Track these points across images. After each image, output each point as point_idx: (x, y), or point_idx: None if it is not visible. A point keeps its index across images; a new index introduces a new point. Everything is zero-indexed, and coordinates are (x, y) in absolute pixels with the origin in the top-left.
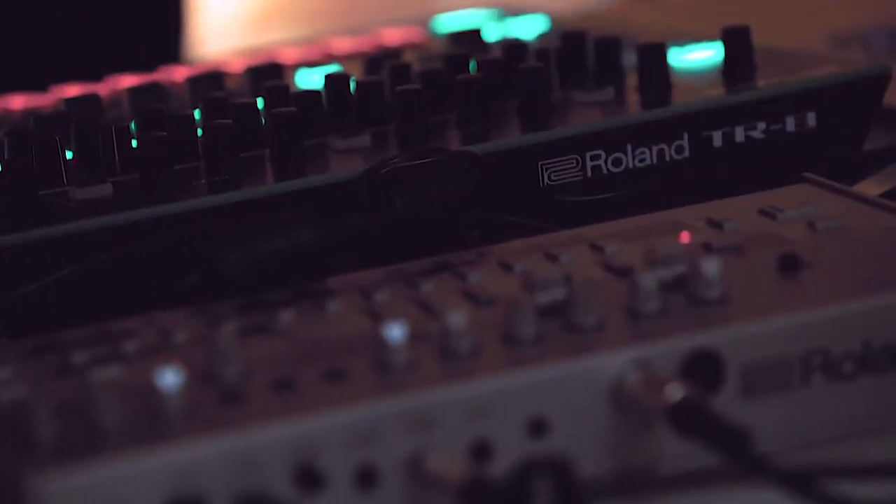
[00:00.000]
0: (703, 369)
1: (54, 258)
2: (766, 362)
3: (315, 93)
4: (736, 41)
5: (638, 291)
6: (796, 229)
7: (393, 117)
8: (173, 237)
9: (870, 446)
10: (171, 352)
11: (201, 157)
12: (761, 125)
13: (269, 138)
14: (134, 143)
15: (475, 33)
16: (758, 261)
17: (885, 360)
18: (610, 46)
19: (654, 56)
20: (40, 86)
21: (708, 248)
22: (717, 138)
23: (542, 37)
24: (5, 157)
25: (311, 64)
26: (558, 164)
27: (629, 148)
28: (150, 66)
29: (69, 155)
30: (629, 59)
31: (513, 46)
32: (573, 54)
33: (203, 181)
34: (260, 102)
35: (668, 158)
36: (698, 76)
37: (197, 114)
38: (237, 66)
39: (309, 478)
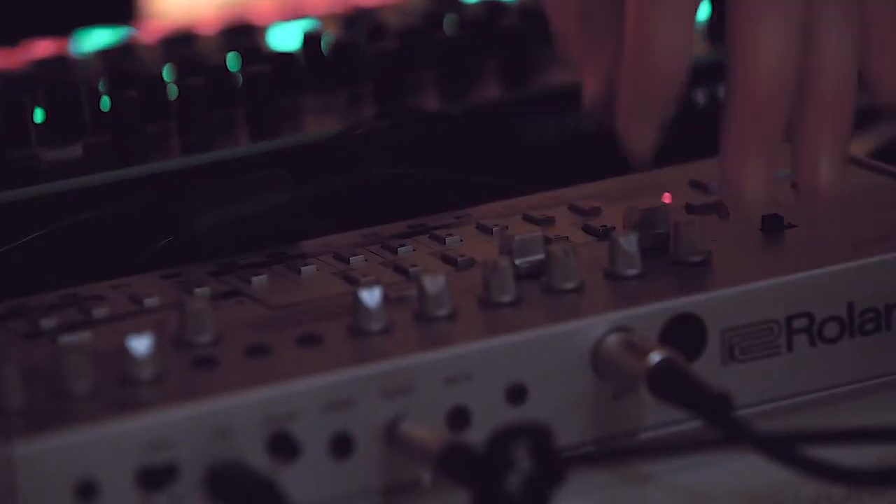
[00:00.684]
0: (684, 334)
1: (23, 221)
2: (749, 326)
3: (289, 52)
4: None
5: (618, 254)
6: (780, 190)
7: (369, 76)
8: (145, 199)
9: (850, 410)
10: (142, 317)
11: (173, 117)
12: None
13: (243, 98)
14: (105, 103)
15: None
16: (741, 222)
17: (869, 322)
18: None
19: None
20: (9, 40)
21: (690, 209)
22: (701, 96)
23: None
24: None
25: (285, 21)
26: (538, 123)
27: None
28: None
29: (38, 116)
30: None
31: (491, 3)
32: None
33: (175, 142)
34: (233, 61)
35: None
36: None
37: (169, 74)
38: (210, 25)
39: (283, 445)
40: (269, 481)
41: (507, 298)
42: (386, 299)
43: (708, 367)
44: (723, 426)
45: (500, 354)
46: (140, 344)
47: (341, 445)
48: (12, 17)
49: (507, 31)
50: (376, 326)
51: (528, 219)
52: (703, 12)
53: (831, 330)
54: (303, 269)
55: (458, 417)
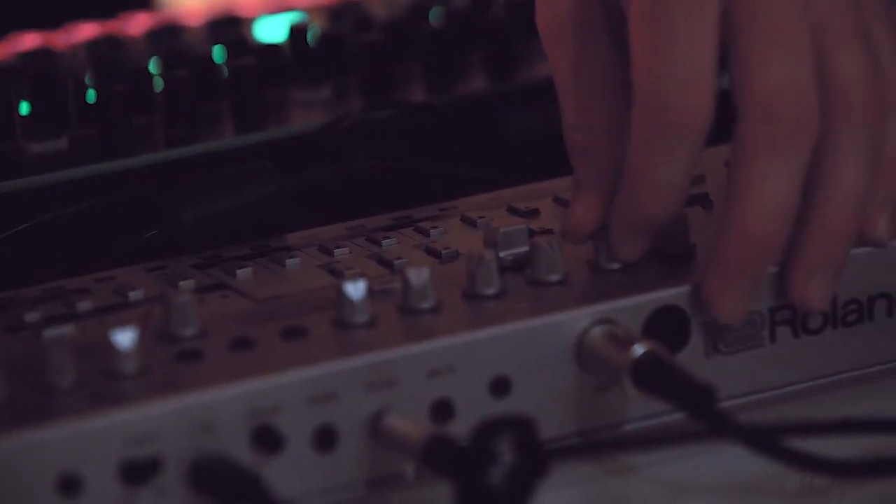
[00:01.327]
0: (668, 325)
1: (8, 214)
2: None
3: (275, 44)
4: None
5: (602, 246)
6: None
7: (355, 69)
8: (131, 192)
9: (834, 402)
10: (127, 310)
11: (160, 110)
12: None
13: (229, 91)
14: (91, 96)
15: None
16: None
17: (851, 314)
18: None
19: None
20: None
21: None
22: None
23: None
24: None
25: (272, 13)
26: (522, 116)
27: None
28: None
29: (24, 109)
30: None
31: None
32: None
33: (161, 135)
34: (219, 54)
35: None
36: None
37: (155, 66)
38: (196, 17)
39: (267, 438)
40: (254, 474)
41: (491, 291)
42: (370, 292)
43: (691, 360)
44: (706, 418)
45: (484, 347)
46: (124, 337)
47: (325, 438)
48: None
49: (492, 24)
50: (361, 319)
51: (512, 211)
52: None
53: (814, 321)
54: (287, 261)
55: (442, 410)
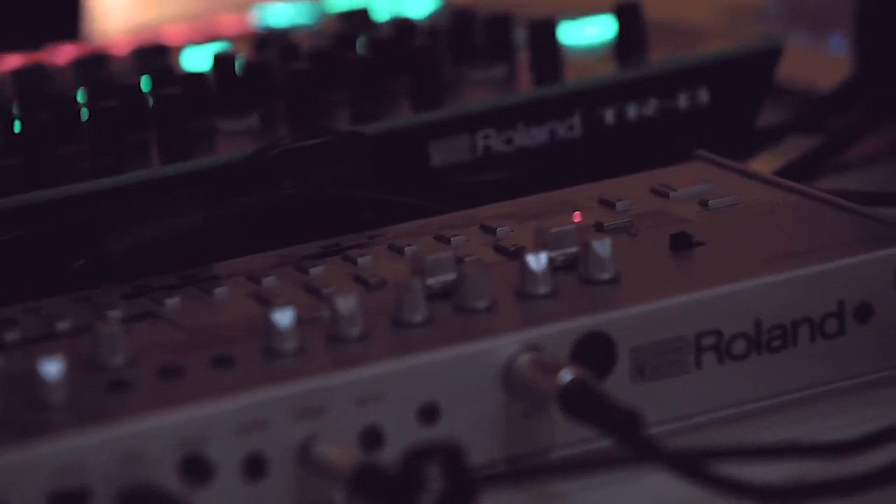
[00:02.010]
0: (594, 352)
1: None
2: (658, 344)
3: (201, 73)
4: (628, 16)
5: (528, 273)
6: (689, 207)
7: (281, 98)
8: (57, 222)
9: (759, 427)
10: (54, 340)
11: (86, 139)
12: (653, 102)
13: (155, 120)
14: (17, 126)
15: (364, 12)
16: (650, 240)
17: (776, 339)
18: (500, 23)
19: (544, 32)
20: None
21: (599, 228)
22: (609, 116)
23: (432, 15)
24: None
25: (198, 43)
26: (449, 143)
27: (520, 126)
28: (40, 45)
29: None
30: (520, 35)
31: (402, 25)
32: (463, 32)
33: (87, 164)
34: (145, 83)
35: (559, 137)
36: (590, 52)
37: (81, 96)
38: (123, 46)
39: (196, 468)
40: None
41: (418, 318)
42: (299, 320)
43: (618, 386)
44: (634, 443)
45: (412, 374)
46: (51, 367)
47: (254, 467)
48: None
49: (418, 52)
50: (289, 347)
51: (439, 239)
52: (611, 31)
53: (739, 347)
54: (216, 290)
55: (371, 438)
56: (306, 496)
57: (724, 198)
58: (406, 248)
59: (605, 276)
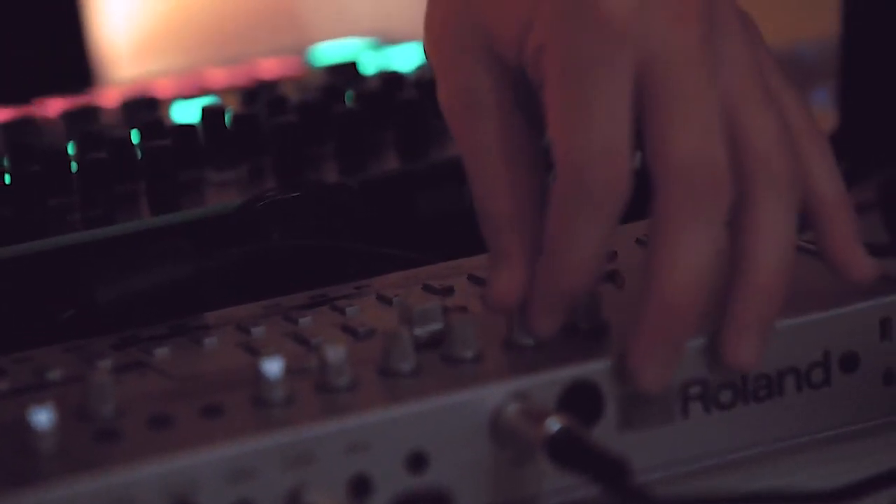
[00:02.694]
0: (581, 400)
1: None
2: (645, 393)
3: (190, 126)
4: None
5: (516, 323)
6: None
7: (269, 150)
8: (47, 273)
9: (747, 476)
10: (44, 390)
11: (76, 191)
12: (639, 155)
13: (145, 172)
14: (7, 178)
15: (352, 65)
16: (636, 290)
17: (761, 388)
18: None
19: None
20: None
21: None
22: None
23: (419, 67)
24: None
25: (187, 96)
26: (436, 194)
27: None
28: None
29: None
30: None
31: (389, 77)
32: None
33: (78, 216)
34: (135, 136)
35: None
36: None
37: (71, 148)
38: (112, 99)
39: None
40: None
41: (406, 368)
42: (287, 370)
43: (606, 434)
44: (621, 492)
45: (400, 423)
46: (41, 417)
47: None
48: None
49: (404, 105)
50: (278, 397)
51: (427, 289)
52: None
53: (725, 396)
54: (205, 340)
55: (360, 486)
56: None
57: None
58: (394, 299)
59: (593, 325)
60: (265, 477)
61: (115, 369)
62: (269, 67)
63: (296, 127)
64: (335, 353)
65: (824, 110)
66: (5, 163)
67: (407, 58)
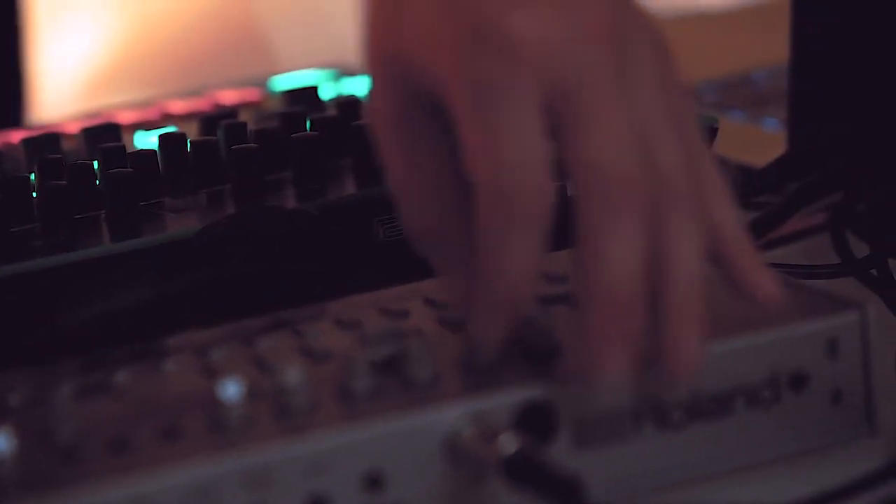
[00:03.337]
0: (536, 420)
1: None
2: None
3: (150, 152)
4: None
5: (470, 345)
6: None
7: (229, 176)
8: (9, 298)
9: (700, 493)
10: (5, 415)
11: (37, 218)
12: None
13: (106, 199)
14: None
15: (311, 91)
16: None
17: (714, 407)
18: None
19: None
20: None
21: (541, 301)
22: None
23: None
24: None
25: (149, 126)
26: (393, 219)
27: None
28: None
29: None
30: None
31: (347, 104)
32: None
33: (39, 242)
34: (96, 163)
35: None
36: None
37: (32, 175)
38: (73, 127)
39: None
40: None
41: (363, 389)
42: (246, 392)
43: (561, 453)
44: None
45: (357, 444)
46: (1, 441)
47: None
48: None
49: (361, 129)
50: (236, 419)
51: (384, 312)
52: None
53: (678, 415)
54: (164, 363)
55: None
56: None
57: None
58: (352, 321)
59: (547, 346)
60: (223, 499)
61: (75, 393)
62: (229, 96)
63: (254, 153)
64: (293, 375)
65: (776, 133)
66: None
67: (366, 88)
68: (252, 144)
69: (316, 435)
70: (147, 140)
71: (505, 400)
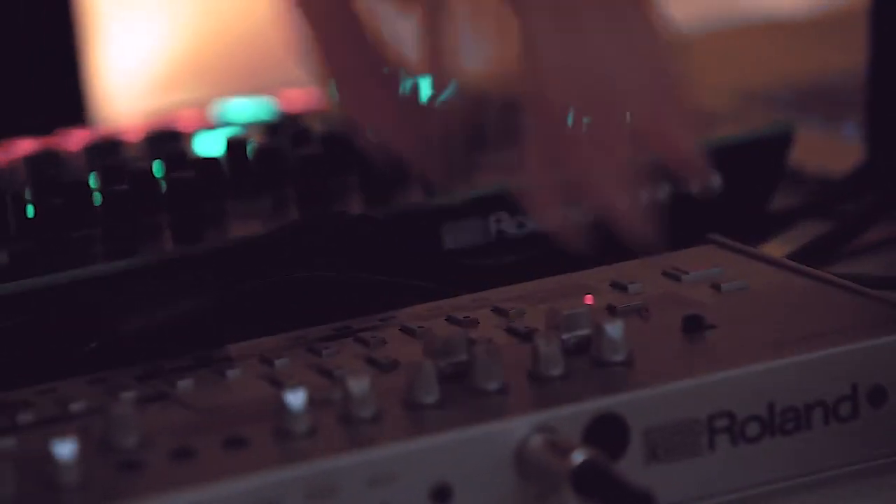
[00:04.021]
0: (607, 433)
1: None
2: (671, 426)
3: (214, 157)
4: None
5: (540, 355)
6: (701, 291)
7: (293, 181)
8: (71, 305)
9: None
10: (67, 422)
11: (99, 223)
12: (665, 186)
13: (168, 204)
14: (30, 210)
15: None
16: (662, 323)
17: (789, 422)
18: (513, 108)
19: None
20: None
21: (612, 311)
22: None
23: (445, 98)
24: None
25: (211, 128)
26: (461, 226)
27: None
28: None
29: None
30: None
31: None
32: (478, 117)
33: (100, 248)
34: (158, 168)
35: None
36: None
37: (94, 180)
38: (135, 132)
39: None
40: None
41: (430, 399)
42: (311, 401)
43: (631, 467)
44: None
45: (424, 455)
46: (64, 449)
47: None
48: None
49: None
50: (301, 428)
51: (451, 321)
52: None
53: (752, 429)
54: (228, 372)
55: None
56: None
57: (737, 281)
58: (418, 330)
59: (618, 357)
60: None
61: (137, 401)
62: (294, 96)
63: (319, 158)
64: (359, 384)
65: (852, 143)
66: (28, 196)
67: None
68: (317, 149)
69: (382, 445)
70: (209, 143)
71: (576, 412)
